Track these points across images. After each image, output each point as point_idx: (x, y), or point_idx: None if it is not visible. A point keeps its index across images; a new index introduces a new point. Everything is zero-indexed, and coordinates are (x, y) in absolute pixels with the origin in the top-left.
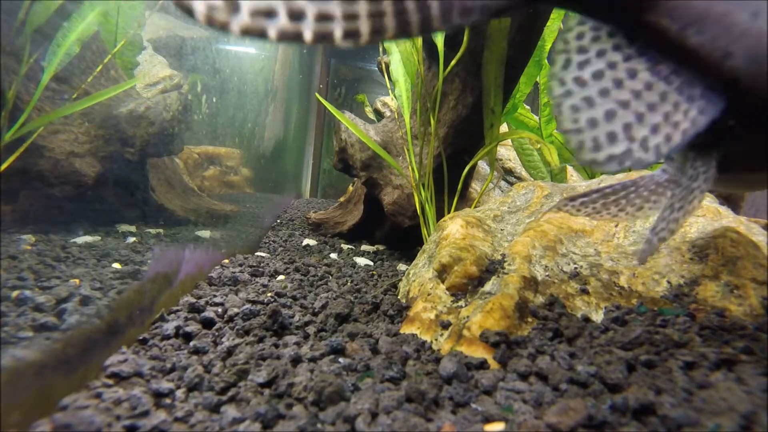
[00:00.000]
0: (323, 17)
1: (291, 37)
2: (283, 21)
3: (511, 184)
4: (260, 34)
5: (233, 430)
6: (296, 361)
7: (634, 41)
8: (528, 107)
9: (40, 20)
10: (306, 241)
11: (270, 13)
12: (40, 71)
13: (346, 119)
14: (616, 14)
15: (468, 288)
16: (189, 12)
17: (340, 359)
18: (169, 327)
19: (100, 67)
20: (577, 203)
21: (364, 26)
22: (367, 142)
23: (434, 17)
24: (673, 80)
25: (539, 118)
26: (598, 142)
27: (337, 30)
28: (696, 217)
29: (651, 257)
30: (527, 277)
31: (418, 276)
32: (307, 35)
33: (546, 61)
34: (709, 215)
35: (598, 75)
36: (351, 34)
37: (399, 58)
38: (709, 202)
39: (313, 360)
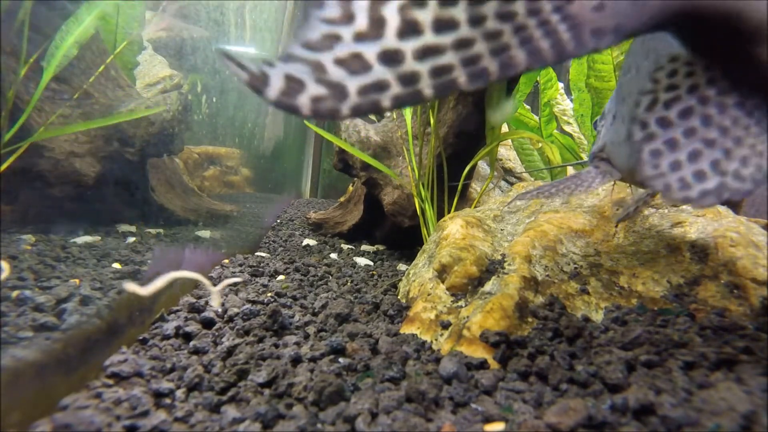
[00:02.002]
0: (440, 71)
1: (410, 101)
2: (396, 89)
3: (511, 184)
4: (374, 109)
5: (233, 430)
6: (296, 361)
7: (729, 74)
8: (528, 107)
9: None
10: (306, 241)
11: (381, 86)
12: (40, 72)
13: (336, 139)
14: (724, 45)
15: (468, 288)
16: (295, 111)
17: (340, 359)
18: (169, 327)
19: (102, 67)
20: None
21: (491, 65)
22: (358, 154)
23: (566, 42)
24: (755, 113)
25: (539, 118)
26: (685, 182)
27: (461, 77)
28: (696, 217)
29: (651, 257)
30: (527, 277)
31: (418, 276)
32: (428, 92)
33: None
34: (709, 215)
35: (685, 113)
36: (477, 76)
37: None
38: None
39: (313, 360)
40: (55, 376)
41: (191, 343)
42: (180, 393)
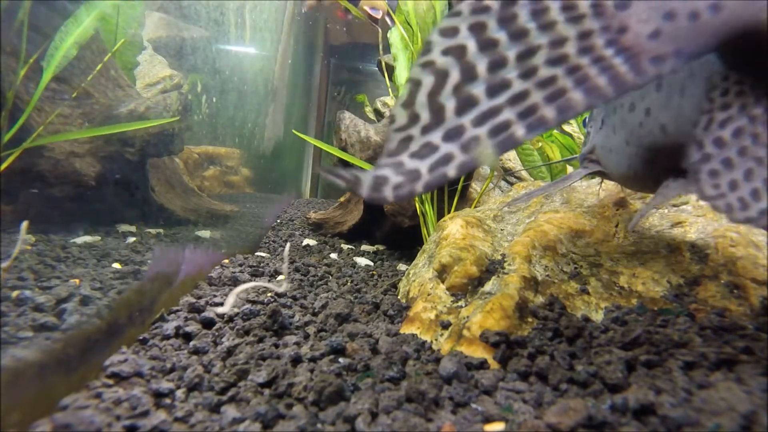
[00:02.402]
0: (498, 130)
1: (473, 166)
2: (459, 158)
3: (511, 184)
4: (442, 181)
5: (233, 430)
6: (296, 361)
7: None
8: None
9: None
10: (306, 241)
11: (447, 159)
12: (40, 72)
13: (331, 148)
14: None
15: (468, 288)
16: (382, 201)
17: (340, 359)
18: (169, 327)
19: (99, 66)
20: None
21: (548, 112)
22: (357, 162)
23: (624, 73)
24: None
25: None
26: (744, 202)
27: (519, 130)
28: (696, 217)
29: (651, 257)
30: (527, 277)
31: (418, 276)
32: (489, 152)
33: None
34: (709, 215)
35: (738, 132)
36: (535, 126)
37: (404, 63)
38: None
39: (313, 360)
40: (55, 376)
41: (191, 343)
42: (180, 393)
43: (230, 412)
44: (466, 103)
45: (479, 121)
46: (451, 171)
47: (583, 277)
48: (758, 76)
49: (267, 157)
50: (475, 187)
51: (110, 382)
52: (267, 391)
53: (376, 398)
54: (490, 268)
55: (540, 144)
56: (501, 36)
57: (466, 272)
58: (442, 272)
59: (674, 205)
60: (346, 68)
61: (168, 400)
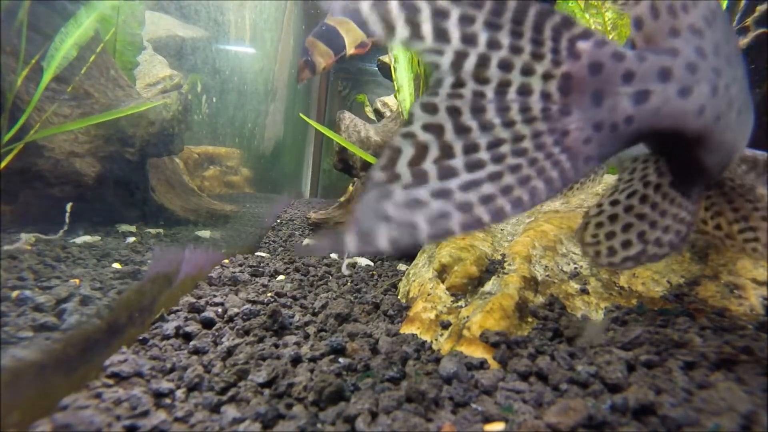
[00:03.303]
0: (487, 199)
1: (474, 226)
2: (458, 217)
3: None
4: (446, 234)
5: (233, 430)
6: (296, 361)
7: (677, 164)
8: None
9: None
10: (306, 241)
11: (443, 215)
12: (40, 72)
13: (337, 137)
14: (668, 147)
15: (468, 288)
16: (380, 252)
17: (340, 359)
18: (169, 327)
19: (92, 57)
20: None
21: (523, 194)
22: (360, 154)
23: (568, 170)
24: (681, 187)
25: None
26: (613, 249)
27: (506, 206)
28: None
29: None
30: (527, 277)
31: (418, 276)
32: (486, 218)
33: None
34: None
35: (631, 194)
36: (517, 204)
37: (405, 64)
38: None
39: (313, 360)
40: (55, 376)
41: (191, 343)
42: (180, 393)
43: (230, 412)
44: (447, 173)
45: (465, 188)
46: (455, 228)
47: (583, 277)
48: (667, 156)
49: (267, 157)
50: None
51: (110, 382)
52: (267, 391)
53: (376, 398)
54: (490, 268)
55: None
56: (472, 124)
57: (466, 272)
58: (442, 272)
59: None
60: (346, 68)
61: (168, 400)
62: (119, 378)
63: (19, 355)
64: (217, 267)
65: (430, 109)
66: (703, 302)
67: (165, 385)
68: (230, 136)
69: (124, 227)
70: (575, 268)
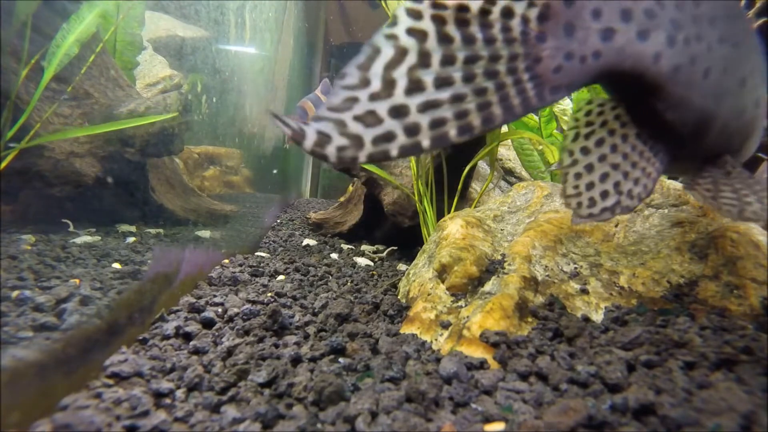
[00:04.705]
0: (437, 123)
1: (412, 150)
2: (401, 139)
3: (511, 184)
4: (384, 157)
5: (233, 430)
6: (296, 361)
7: (636, 113)
8: None
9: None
10: (306, 241)
11: (389, 137)
12: (40, 72)
13: None
14: (630, 94)
15: (468, 288)
16: (325, 158)
17: (340, 359)
18: (169, 327)
19: (92, 56)
20: None
21: (475, 120)
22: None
23: (531, 98)
24: (648, 141)
25: (539, 118)
26: (593, 200)
27: (452, 130)
28: (696, 216)
29: (651, 257)
30: (527, 277)
31: (418, 276)
32: (425, 143)
33: None
34: (709, 215)
35: (599, 142)
36: (464, 130)
37: None
38: None
39: (313, 360)
40: (55, 376)
41: (191, 343)
42: (180, 393)
43: (230, 412)
44: (415, 86)
45: (423, 109)
46: (393, 151)
47: (583, 277)
48: (627, 101)
49: (267, 157)
50: (475, 187)
51: (110, 382)
52: (267, 391)
53: (376, 398)
54: (490, 268)
55: (540, 147)
56: (456, 35)
57: (466, 272)
58: (442, 272)
59: (674, 205)
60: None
61: (168, 400)
62: (119, 378)
63: (19, 355)
64: (217, 267)
65: (415, 15)
66: (703, 302)
67: (165, 385)
68: (230, 136)
69: (124, 227)
70: (575, 268)
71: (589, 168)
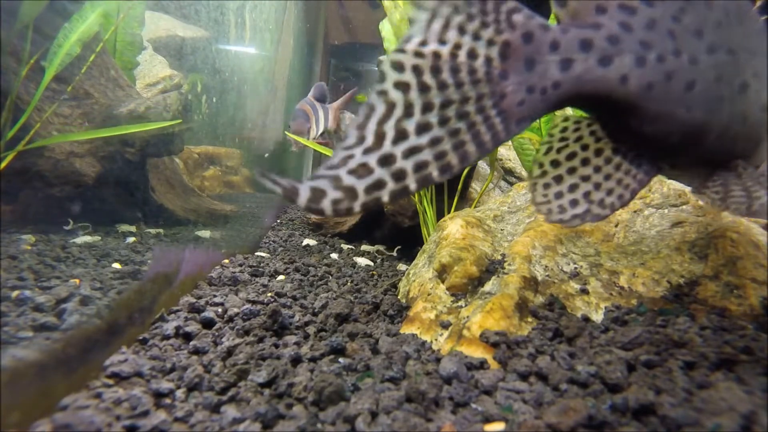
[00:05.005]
0: (420, 167)
1: (401, 194)
2: (391, 185)
3: (511, 184)
4: (376, 203)
5: (233, 430)
6: (296, 361)
7: (606, 129)
8: None
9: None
10: (306, 241)
11: (380, 185)
12: (40, 72)
13: (329, 151)
14: (605, 112)
15: (468, 288)
16: (319, 212)
17: (340, 359)
18: (169, 327)
19: (92, 56)
20: None
21: (453, 159)
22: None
23: (500, 132)
24: (627, 154)
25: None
26: (563, 207)
27: (434, 171)
28: (696, 217)
29: (651, 257)
30: (527, 277)
31: (418, 276)
32: (413, 186)
33: None
34: (709, 215)
35: (571, 156)
36: (444, 169)
37: None
38: None
39: (313, 360)
40: (55, 376)
41: (191, 343)
42: (180, 393)
43: (230, 412)
44: (400, 135)
45: (407, 155)
46: (385, 197)
47: (583, 277)
48: (606, 119)
49: (267, 157)
50: (475, 187)
51: (110, 382)
52: (267, 391)
53: (376, 398)
54: (490, 268)
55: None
56: (432, 83)
57: (466, 272)
58: (442, 272)
59: (674, 205)
60: (346, 68)
61: (168, 400)
62: (119, 378)
63: (19, 355)
64: (217, 267)
65: (398, 66)
66: (703, 302)
67: (165, 385)
68: (230, 136)
69: (124, 227)
70: (575, 268)
71: (558, 179)
